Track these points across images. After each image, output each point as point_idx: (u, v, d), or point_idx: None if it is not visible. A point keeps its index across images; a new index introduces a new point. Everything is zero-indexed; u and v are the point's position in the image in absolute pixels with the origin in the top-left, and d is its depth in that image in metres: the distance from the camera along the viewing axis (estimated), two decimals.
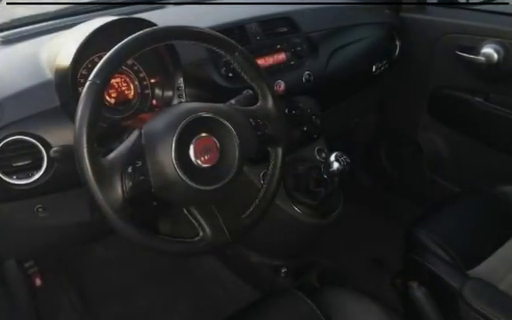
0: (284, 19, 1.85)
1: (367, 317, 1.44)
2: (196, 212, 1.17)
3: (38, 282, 2.00)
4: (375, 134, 2.76)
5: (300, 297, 1.46)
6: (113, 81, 1.45)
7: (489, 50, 2.02)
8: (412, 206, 2.53)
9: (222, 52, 1.26)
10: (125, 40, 1.10)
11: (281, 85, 1.70)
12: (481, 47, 2.04)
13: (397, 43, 2.29)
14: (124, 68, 1.46)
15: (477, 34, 2.09)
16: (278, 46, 1.76)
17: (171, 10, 1.88)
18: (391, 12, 2.33)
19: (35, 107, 1.26)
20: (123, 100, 1.48)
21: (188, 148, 1.09)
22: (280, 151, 1.34)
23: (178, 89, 1.50)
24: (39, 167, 1.26)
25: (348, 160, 1.51)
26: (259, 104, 1.31)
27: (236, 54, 1.26)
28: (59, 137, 1.25)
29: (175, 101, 1.50)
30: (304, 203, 1.69)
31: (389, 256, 2.45)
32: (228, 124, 1.14)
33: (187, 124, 1.08)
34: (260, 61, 1.67)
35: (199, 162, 1.09)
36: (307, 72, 1.79)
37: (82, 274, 2.34)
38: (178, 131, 1.07)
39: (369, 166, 2.89)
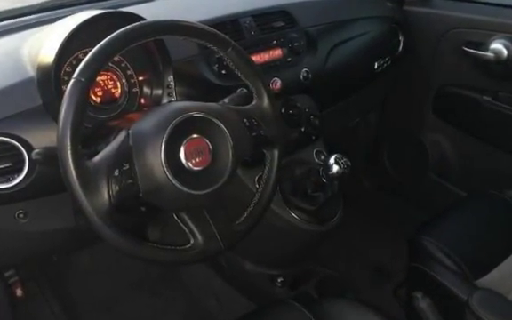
0: (280, 12, 1.85)
1: None
2: (186, 218, 1.16)
3: (19, 292, 2.00)
4: (377, 135, 2.77)
5: (297, 308, 1.46)
6: (99, 78, 1.45)
7: (498, 45, 2.02)
8: (415, 211, 2.53)
9: (215, 48, 1.26)
10: (112, 35, 1.10)
11: (277, 83, 1.70)
12: (490, 43, 2.05)
13: (401, 38, 2.30)
14: (110, 64, 1.46)
15: (486, 28, 2.09)
16: (274, 42, 1.76)
17: (160, 3, 1.89)
18: (394, 5, 2.34)
19: (15, 106, 1.26)
20: (109, 99, 1.48)
21: (179, 150, 1.08)
22: (276, 153, 1.34)
23: (167, 87, 1.50)
24: (20, 170, 1.25)
25: (349, 163, 1.52)
26: (253, 103, 1.32)
27: (230, 50, 1.26)
28: (41, 138, 1.25)
29: (165, 100, 1.50)
30: (302, 208, 1.69)
31: (392, 264, 2.47)
32: (220, 124, 1.14)
33: (177, 124, 1.08)
34: (255, 58, 1.67)
35: (190, 164, 1.09)
36: (304, 69, 1.79)
37: (65, 284, 2.33)
38: (167, 131, 1.07)
39: (370, 169, 2.89)
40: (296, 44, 1.79)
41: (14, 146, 1.23)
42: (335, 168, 1.50)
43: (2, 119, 1.23)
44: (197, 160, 1.10)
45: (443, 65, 2.29)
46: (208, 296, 2.34)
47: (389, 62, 2.21)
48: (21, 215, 1.37)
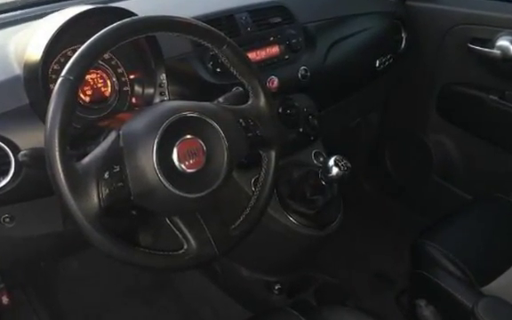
0: (277, 8, 1.85)
1: None
2: (179, 223, 1.17)
3: (5, 300, 2.00)
4: (378, 136, 2.77)
5: (295, 316, 1.46)
6: (88, 77, 1.44)
7: (505, 42, 2.02)
8: (418, 215, 2.54)
9: (209, 45, 1.26)
10: (102, 32, 1.10)
11: (274, 82, 1.70)
12: (496, 39, 2.05)
13: (403, 35, 2.30)
14: (100, 62, 1.46)
15: (492, 25, 2.09)
16: (271, 38, 1.76)
17: None
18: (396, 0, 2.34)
19: (1, 105, 1.26)
20: (99, 98, 1.48)
21: (172, 152, 1.08)
22: (273, 155, 1.34)
23: (160, 86, 1.50)
24: (6, 173, 1.25)
25: (349, 164, 1.51)
26: (249, 102, 1.32)
27: (225, 47, 1.26)
28: (28, 139, 1.25)
29: (157, 99, 1.50)
30: (300, 212, 1.69)
31: (394, 270, 2.47)
32: (215, 124, 1.14)
33: (170, 124, 1.08)
34: (251, 55, 1.67)
35: (183, 167, 1.09)
36: (303, 67, 1.79)
37: (53, 291, 2.33)
38: (160, 132, 1.07)
39: (372, 171, 2.90)
40: (294, 40, 1.80)
41: None
42: (335, 170, 1.50)
43: None
44: (191, 162, 1.10)
45: (447, 63, 2.29)
46: (202, 304, 2.34)
47: (391, 60, 2.21)
48: (7, 219, 1.37)
